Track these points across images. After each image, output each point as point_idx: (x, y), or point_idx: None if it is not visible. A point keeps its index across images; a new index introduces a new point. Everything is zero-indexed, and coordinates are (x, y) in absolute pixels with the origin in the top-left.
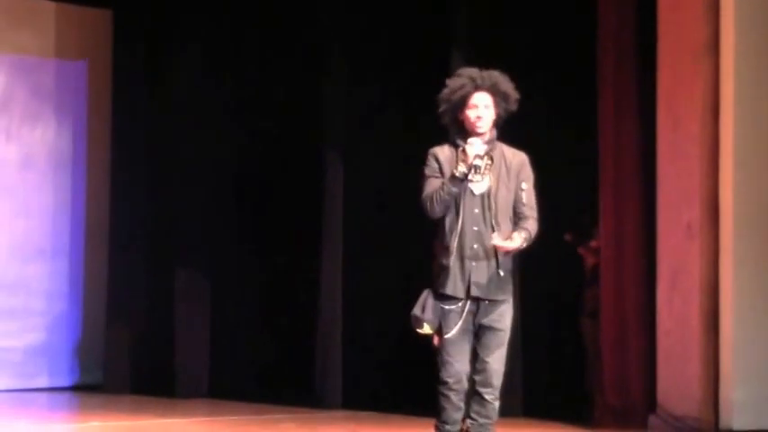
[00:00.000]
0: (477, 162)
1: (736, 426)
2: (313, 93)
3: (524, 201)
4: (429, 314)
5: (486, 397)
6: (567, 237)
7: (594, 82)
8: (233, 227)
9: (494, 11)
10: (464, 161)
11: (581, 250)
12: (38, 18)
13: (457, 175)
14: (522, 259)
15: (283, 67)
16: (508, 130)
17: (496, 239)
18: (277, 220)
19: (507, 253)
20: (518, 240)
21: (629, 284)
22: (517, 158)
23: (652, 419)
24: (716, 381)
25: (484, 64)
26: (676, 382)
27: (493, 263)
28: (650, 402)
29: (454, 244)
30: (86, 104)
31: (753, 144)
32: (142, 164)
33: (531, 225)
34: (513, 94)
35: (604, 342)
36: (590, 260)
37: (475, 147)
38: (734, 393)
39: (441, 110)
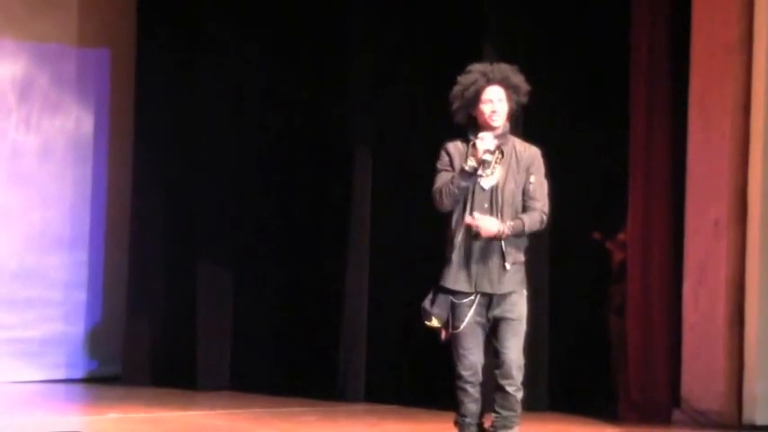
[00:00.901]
0: (487, 157)
1: (759, 420)
2: (341, 86)
3: (531, 194)
4: (437, 307)
5: (508, 389)
6: (596, 235)
7: (627, 77)
8: (256, 218)
9: (527, 4)
10: (474, 155)
11: (609, 245)
12: (60, 5)
13: (466, 169)
14: (552, 253)
15: (312, 57)
16: (537, 126)
17: (468, 218)
18: (302, 212)
19: (490, 237)
20: (497, 225)
21: (655, 280)
22: (528, 152)
23: (676, 414)
24: (740, 376)
25: (516, 58)
26: (700, 376)
27: (498, 257)
28: (674, 397)
29: (459, 238)
30: (109, 94)
31: None
32: (165, 154)
33: (531, 216)
34: (524, 87)
35: (630, 338)
36: (617, 255)
37: (485, 141)
38: (757, 388)
39: (454, 107)
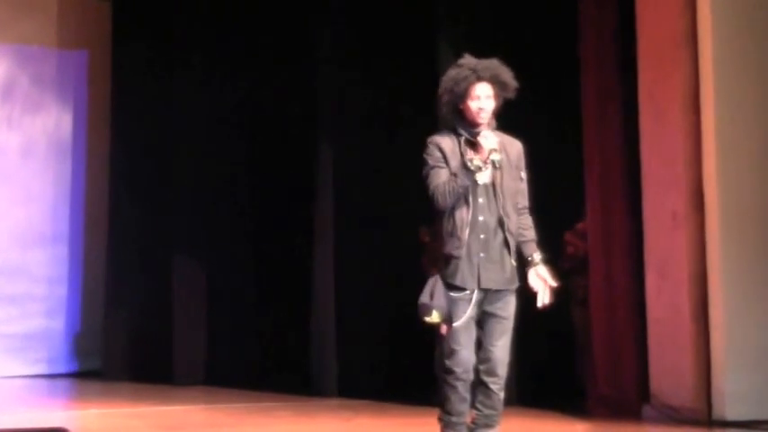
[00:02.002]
0: (495, 156)
1: (729, 416)
2: (308, 87)
3: (523, 192)
4: (438, 301)
5: (492, 387)
6: (568, 236)
7: (577, 73)
8: (230, 216)
9: (480, 4)
10: (477, 154)
11: (568, 235)
12: (40, 8)
13: (472, 168)
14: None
15: (280, 59)
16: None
17: (538, 285)
18: (272, 210)
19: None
20: (545, 270)
21: (617, 273)
22: (515, 147)
23: (646, 409)
24: (708, 370)
25: (468, 53)
26: (669, 371)
27: (503, 252)
28: (643, 392)
29: (465, 235)
30: (87, 94)
31: (734, 132)
32: (141, 153)
33: (530, 225)
34: (512, 83)
35: (595, 331)
36: (578, 246)
37: (489, 140)
38: (726, 384)
39: (442, 101)
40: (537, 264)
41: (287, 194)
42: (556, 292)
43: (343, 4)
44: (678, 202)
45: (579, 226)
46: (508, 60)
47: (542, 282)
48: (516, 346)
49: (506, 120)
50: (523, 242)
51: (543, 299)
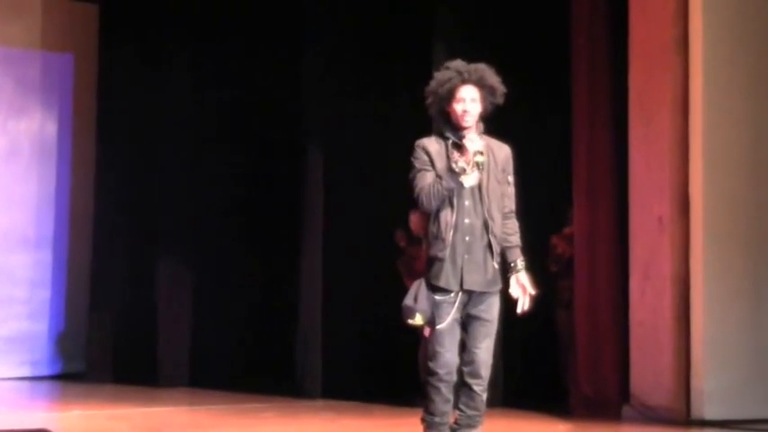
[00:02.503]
0: (479, 159)
1: (707, 415)
2: (296, 90)
3: (508, 192)
4: (422, 304)
5: (475, 388)
6: (555, 240)
7: (569, 78)
8: (215, 219)
9: (473, 9)
10: (462, 156)
11: (555, 239)
12: (25, 11)
13: (457, 170)
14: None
15: (267, 63)
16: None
17: (518, 292)
18: (258, 213)
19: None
20: (525, 277)
21: (602, 276)
22: (503, 151)
23: (626, 410)
24: (687, 371)
25: (461, 55)
26: (649, 372)
27: (486, 255)
28: (624, 392)
29: (449, 237)
30: (72, 97)
31: (721, 138)
32: (126, 156)
33: (516, 230)
34: (500, 88)
35: (578, 333)
36: (565, 249)
37: (474, 143)
38: (705, 384)
39: (427, 102)
40: (519, 270)
41: (274, 196)
42: (542, 295)
43: (333, 7)
44: (664, 206)
45: (566, 230)
46: (499, 64)
47: (522, 289)
48: (502, 348)
49: (496, 123)
50: (508, 248)
51: (523, 305)
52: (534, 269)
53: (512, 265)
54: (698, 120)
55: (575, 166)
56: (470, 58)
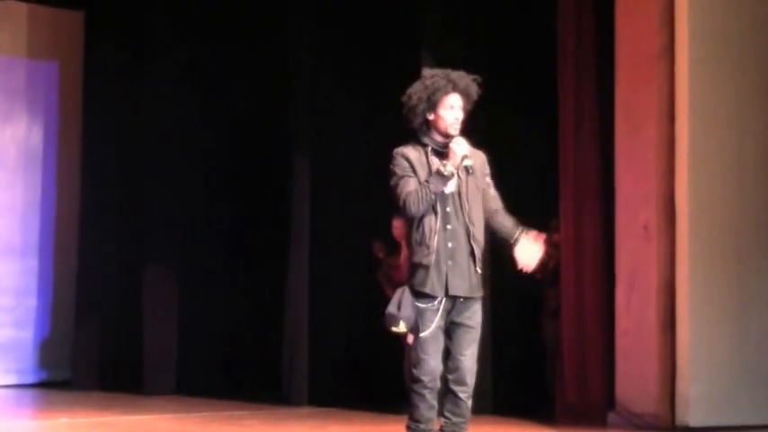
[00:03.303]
0: (467, 162)
1: (692, 422)
2: (282, 96)
3: (492, 193)
4: (405, 312)
5: (461, 395)
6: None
7: (555, 86)
8: (202, 227)
9: (460, 18)
10: (448, 161)
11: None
12: (10, 19)
13: (445, 174)
14: (489, 259)
15: (254, 70)
16: (472, 135)
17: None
18: (245, 221)
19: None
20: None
21: (588, 284)
22: (479, 157)
23: (611, 417)
24: (672, 378)
25: (450, 67)
26: (634, 379)
27: (469, 261)
28: (609, 400)
29: (434, 243)
30: (57, 104)
31: (707, 147)
32: (112, 163)
33: (511, 218)
34: (475, 96)
35: (564, 341)
36: (551, 256)
37: (462, 146)
38: (690, 390)
39: (415, 110)
40: (525, 232)
41: (261, 205)
42: (530, 304)
43: (320, 11)
44: (650, 214)
45: (554, 237)
46: (485, 73)
47: (535, 245)
48: (491, 356)
49: (482, 131)
50: (507, 228)
51: (532, 262)
52: (519, 276)
53: (515, 234)
54: (684, 128)
55: (561, 175)
56: (457, 66)
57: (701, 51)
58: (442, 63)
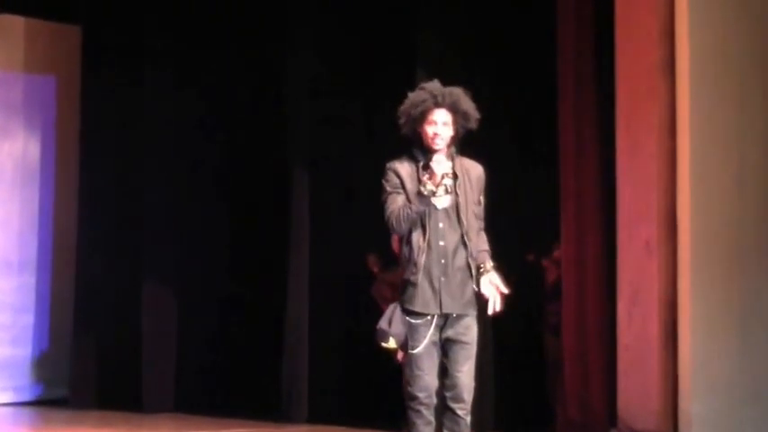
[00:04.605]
0: (447, 181)
1: None
2: (279, 103)
3: (476, 211)
4: (395, 328)
5: (459, 412)
6: (530, 257)
7: (555, 102)
8: (200, 243)
9: (459, 35)
10: (430, 179)
11: (545, 263)
12: (7, 33)
13: (425, 193)
14: None
15: (250, 79)
16: (474, 150)
17: (490, 292)
18: (244, 235)
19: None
20: (496, 276)
21: (590, 300)
22: (476, 171)
23: None
24: (674, 394)
25: (448, 80)
26: (636, 396)
27: (462, 277)
28: (611, 416)
29: (422, 260)
30: (55, 119)
31: (708, 162)
32: (110, 178)
33: (485, 241)
34: (474, 114)
35: (566, 357)
36: (553, 273)
37: (442, 165)
38: (692, 407)
39: (400, 122)
40: (489, 271)
41: (260, 219)
42: (531, 319)
43: (320, 19)
44: (651, 230)
45: (555, 253)
46: (485, 88)
47: (494, 288)
48: (492, 372)
49: (482, 147)
50: (478, 252)
51: (495, 306)
52: (523, 291)
53: (481, 267)
54: (685, 143)
55: (563, 189)
56: (455, 79)
57: (702, 65)
58: (439, 75)
